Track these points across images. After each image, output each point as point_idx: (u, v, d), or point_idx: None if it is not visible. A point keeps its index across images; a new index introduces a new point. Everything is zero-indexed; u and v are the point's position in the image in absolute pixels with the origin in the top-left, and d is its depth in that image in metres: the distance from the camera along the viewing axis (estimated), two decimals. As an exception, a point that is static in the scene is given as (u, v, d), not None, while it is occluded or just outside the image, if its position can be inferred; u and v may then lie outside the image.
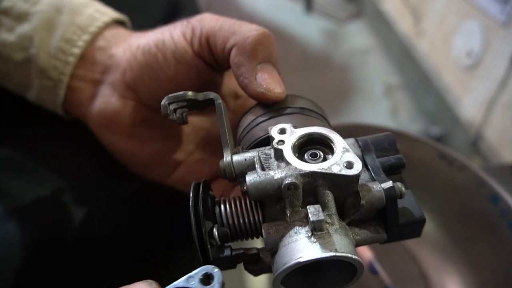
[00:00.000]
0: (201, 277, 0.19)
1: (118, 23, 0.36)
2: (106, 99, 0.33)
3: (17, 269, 0.31)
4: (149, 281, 0.20)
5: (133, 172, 0.36)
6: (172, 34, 0.31)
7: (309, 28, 2.17)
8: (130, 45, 0.32)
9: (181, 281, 0.19)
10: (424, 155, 0.50)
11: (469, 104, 1.25)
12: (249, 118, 0.29)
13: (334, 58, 1.91)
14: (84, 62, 0.33)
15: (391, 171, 0.25)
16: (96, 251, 0.37)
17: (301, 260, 0.20)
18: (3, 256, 0.31)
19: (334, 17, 2.25)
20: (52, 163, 0.37)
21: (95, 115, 0.34)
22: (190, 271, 0.19)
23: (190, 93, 0.26)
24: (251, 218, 0.23)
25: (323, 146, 0.24)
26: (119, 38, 0.34)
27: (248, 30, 0.28)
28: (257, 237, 0.24)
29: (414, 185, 0.54)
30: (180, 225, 0.45)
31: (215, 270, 0.19)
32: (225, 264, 0.23)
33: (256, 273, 0.25)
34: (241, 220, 0.23)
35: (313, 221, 0.20)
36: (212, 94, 0.27)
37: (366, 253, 0.47)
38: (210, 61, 0.31)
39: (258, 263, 0.24)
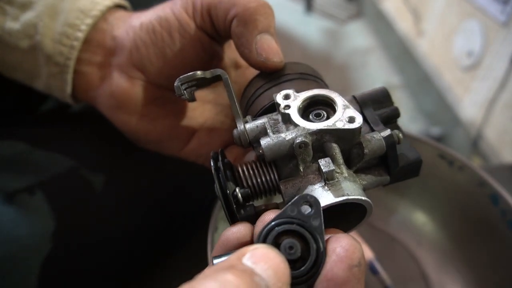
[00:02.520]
0: (301, 206, 0.20)
1: (119, 7, 0.36)
2: (115, 81, 0.33)
3: (25, 269, 0.31)
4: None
5: (147, 149, 0.37)
6: (174, 10, 0.32)
7: (309, 28, 2.17)
8: (132, 26, 0.33)
9: (282, 212, 0.20)
10: (424, 155, 0.50)
11: (469, 104, 1.25)
12: (252, 89, 0.31)
13: (334, 58, 1.91)
14: (88, 46, 0.33)
15: (388, 121, 0.28)
16: (102, 250, 0.37)
17: None
18: (12, 256, 0.31)
19: (334, 17, 2.25)
20: (53, 163, 0.37)
21: (105, 98, 0.34)
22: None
23: (199, 72, 0.28)
24: (268, 177, 0.26)
25: (325, 106, 0.26)
26: (121, 20, 0.34)
27: (248, 1, 0.29)
28: (275, 194, 0.26)
29: (414, 185, 0.54)
30: (186, 223, 0.45)
31: (313, 198, 0.20)
32: (250, 221, 0.25)
33: None
34: (259, 180, 0.25)
35: (325, 172, 0.23)
36: (219, 71, 0.28)
37: (366, 253, 0.47)
38: (212, 33, 0.32)
39: None
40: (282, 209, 0.20)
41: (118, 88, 0.33)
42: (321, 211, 0.20)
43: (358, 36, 2.11)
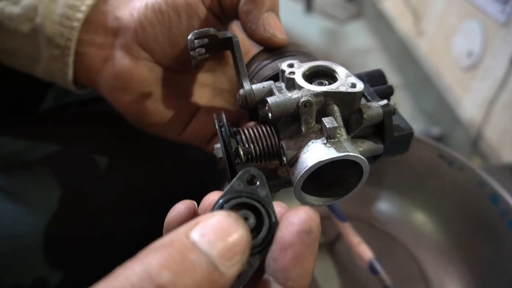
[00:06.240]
0: (247, 179, 0.21)
1: None
2: (119, 61, 0.33)
3: (25, 266, 0.31)
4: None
5: (148, 132, 0.37)
6: None
7: (309, 28, 2.17)
8: (137, 7, 0.33)
9: (230, 188, 0.20)
10: (424, 155, 0.50)
11: (469, 104, 1.25)
12: (255, 62, 0.32)
13: (334, 58, 1.91)
14: (89, 26, 0.33)
15: (383, 97, 0.29)
16: (102, 248, 0.37)
17: (321, 159, 0.23)
18: (12, 254, 0.31)
19: (334, 17, 2.25)
20: (53, 161, 0.37)
21: (108, 78, 0.34)
22: None
23: (212, 29, 0.29)
24: (269, 141, 0.26)
25: (327, 77, 0.28)
26: (122, 1, 0.34)
27: None
28: (274, 159, 0.27)
29: (414, 185, 0.54)
30: None
31: (256, 171, 0.21)
32: None
33: (275, 188, 0.28)
34: (260, 143, 0.26)
35: (328, 128, 0.24)
36: (230, 33, 0.30)
37: (366, 253, 0.47)
38: (219, 13, 0.32)
39: (276, 179, 0.28)
40: (229, 185, 0.21)
41: (121, 68, 0.33)
42: (266, 182, 0.21)
43: (358, 36, 2.11)
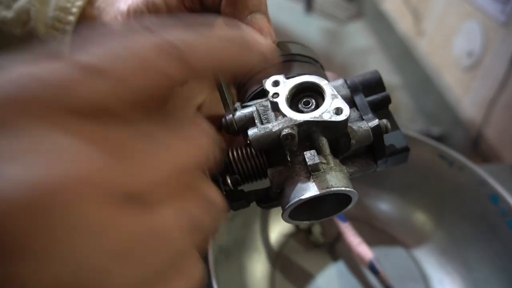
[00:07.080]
0: None
1: None
2: None
3: None
4: None
5: None
6: None
7: (309, 28, 2.17)
8: (120, 10, 0.32)
9: None
10: (424, 155, 0.50)
11: (469, 104, 1.25)
12: None
13: (335, 58, 1.91)
14: None
15: (378, 108, 0.28)
16: None
17: (302, 197, 0.23)
18: None
19: (334, 17, 2.25)
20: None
21: None
22: None
23: None
24: (258, 163, 0.26)
25: (314, 92, 0.27)
26: (108, 4, 0.33)
27: None
28: (265, 178, 0.27)
29: (414, 185, 0.54)
30: None
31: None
32: (240, 205, 0.26)
33: (267, 208, 0.28)
34: (249, 165, 0.26)
35: (309, 165, 0.23)
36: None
37: (366, 253, 0.47)
38: (202, 12, 0.31)
39: (267, 200, 0.28)
40: None
41: None
42: None
43: (358, 36, 2.11)
